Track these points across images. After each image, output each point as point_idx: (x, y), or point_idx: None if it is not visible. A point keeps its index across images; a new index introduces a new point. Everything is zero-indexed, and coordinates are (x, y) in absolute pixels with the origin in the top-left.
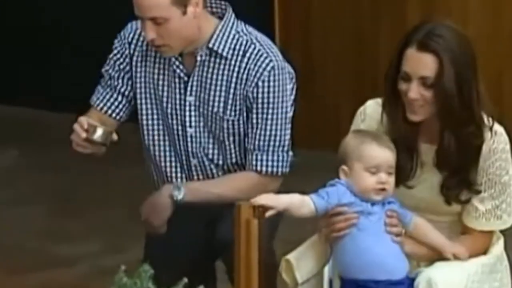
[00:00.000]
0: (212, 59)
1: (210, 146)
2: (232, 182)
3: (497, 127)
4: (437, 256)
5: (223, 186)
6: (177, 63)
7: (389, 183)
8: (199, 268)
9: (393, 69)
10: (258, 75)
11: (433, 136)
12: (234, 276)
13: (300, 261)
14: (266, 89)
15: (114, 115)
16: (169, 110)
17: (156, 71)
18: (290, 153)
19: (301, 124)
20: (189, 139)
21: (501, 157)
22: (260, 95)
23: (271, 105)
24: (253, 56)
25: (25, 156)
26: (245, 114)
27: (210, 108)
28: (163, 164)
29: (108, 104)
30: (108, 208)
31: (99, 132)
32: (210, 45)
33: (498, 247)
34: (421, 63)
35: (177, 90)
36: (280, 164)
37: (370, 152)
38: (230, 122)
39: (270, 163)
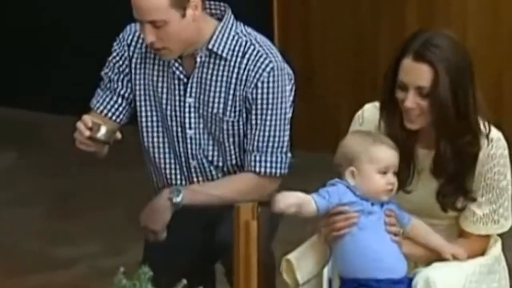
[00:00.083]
0: (212, 60)
1: (210, 147)
2: (231, 184)
3: (495, 133)
4: (435, 257)
5: (222, 188)
6: (176, 64)
7: (395, 184)
8: (198, 270)
9: (390, 77)
10: (257, 76)
11: (430, 142)
12: (234, 277)
13: (301, 261)
14: (265, 90)
15: (114, 117)
16: (168, 112)
17: (155, 73)
18: (289, 154)
19: (301, 125)
20: (188, 140)
21: (499, 162)
22: (259, 96)
23: (270, 106)
24: (252, 57)
25: (24, 157)
26: (244, 115)
27: (209, 110)
28: (162, 166)
29: (108, 106)
30: (108, 210)
31: (102, 130)
32: (210, 46)
33: (496, 249)
34: (417, 73)
35: (177, 92)
36: (279, 165)
37: (381, 153)
38: (230, 123)
39: (269, 164)
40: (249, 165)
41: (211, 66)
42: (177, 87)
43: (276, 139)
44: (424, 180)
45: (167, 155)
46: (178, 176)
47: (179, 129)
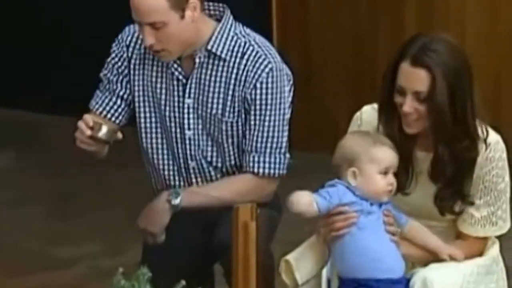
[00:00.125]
0: (211, 61)
1: (209, 148)
2: (230, 185)
3: (494, 135)
4: (432, 258)
5: (221, 189)
6: (175, 65)
7: (395, 184)
8: (197, 271)
9: (388, 81)
10: (256, 76)
11: (429, 145)
12: (232, 279)
13: (300, 262)
14: (264, 91)
15: (113, 119)
16: (167, 113)
17: (154, 74)
18: (287, 155)
19: (299, 125)
20: (187, 141)
21: (497, 165)
22: (258, 97)
23: (268, 107)
24: (251, 58)
25: (24, 158)
26: (243, 116)
27: (208, 110)
28: (161, 167)
29: (107, 108)
30: (107, 210)
31: (104, 130)
32: (209, 47)
33: (493, 250)
34: (415, 78)
35: (176, 93)
36: (277, 166)
37: (382, 154)
38: (229, 124)
39: (267, 165)
40: (248, 166)
41: (210, 67)
42: (176, 88)
43: (275, 139)
44: (423, 183)
45: (165, 156)
46: (177, 177)
47: (178, 130)
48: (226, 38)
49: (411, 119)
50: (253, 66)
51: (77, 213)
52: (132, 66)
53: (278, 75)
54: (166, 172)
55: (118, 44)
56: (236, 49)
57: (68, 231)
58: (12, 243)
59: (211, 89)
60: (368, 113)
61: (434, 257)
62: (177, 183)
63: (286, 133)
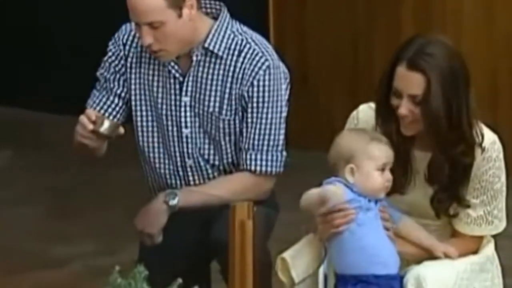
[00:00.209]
0: (208, 59)
1: (206, 146)
2: (228, 184)
3: (491, 135)
4: (427, 255)
5: (218, 188)
6: (172, 63)
7: (392, 180)
8: (193, 269)
9: (385, 83)
10: (253, 74)
11: (427, 145)
12: (229, 278)
13: (296, 260)
14: (261, 88)
15: (111, 117)
16: (164, 111)
17: (150, 72)
18: (284, 152)
19: (296, 124)
20: (184, 139)
21: (494, 165)
22: (255, 94)
23: (266, 104)
24: (248, 56)
25: (22, 157)
26: (240, 113)
27: (206, 108)
28: (157, 165)
29: (105, 107)
30: (104, 209)
31: (106, 124)
32: (206, 45)
33: (488, 249)
34: (410, 82)
35: (172, 91)
36: (274, 163)
37: (379, 150)
38: (226, 122)
39: (264, 163)
40: (245, 164)
41: (207, 64)
42: (172, 86)
43: (272, 137)
44: (420, 182)
45: (162, 155)
46: (174, 176)
47: (175, 129)
48: (223, 36)
49: (406, 121)
50: (250, 64)
51: (75, 212)
52: (129, 65)
53: (275, 72)
54: (162, 171)
55: (115, 43)
56: (233, 46)
57: (64, 230)
58: (8, 242)
59: (208, 87)
60: (365, 112)
61: (429, 255)
62: (173, 181)
63: (283, 131)
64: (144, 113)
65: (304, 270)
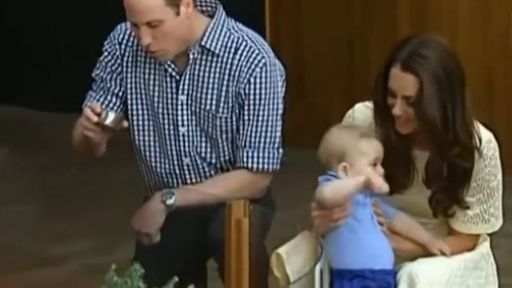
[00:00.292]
0: (204, 57)
1: (203, 144)
2: (225, 182)
3: (487, 134)
4: (422, 252)
5: (215, 187)
6: (168, 62)
7: (383, 174)
8: (190, 268)
9: (382, 83)
10: (250, 71)
11: (425, 144)
12: (225, 276)
13: (291, 256)
14: (258, 85)
15: None
16: (160, 110)
17: (147, 71)
18: (281, 150)
19: (292, 123)
20: (181, 138)
21: (490, 163)
22: (251, 92)
23: (262, 102)
24: (245, 53)
25: (20, 156)
26: (237, 111)
27: (202, 106)
28: (153, 164)
29: (103, 106)
30: (100, 208)
31: (111, 117)
32: (203, 43)
33: (483, 246)
34: (404, 83)
35: (169, 90)
36: (271, 160)
37: (371, 146)
38: (223, 120)
39: (261, 160)
40: (241, 161)
41: (203, 62)
42: (169, 84)
43: (268, 134)
44: (418, 181)
45: (158, 154)
46: (171, 174)
47: (172, 127)
48: (220, 34)
49: (401, 121)
50: (247, 61)
51: (74, 212)
52: (125, 64)
53: (272, 70)
54: (159, 170)
55: (110, 42)
56: (229, 44)
57: (60, 228)
58: (5, 241)
59: (205, 85)
60: (361, 111)
61: (424, 252)
62: (170, 180)
63: (279, 128)
64: (140, 112)
65: (299, 268)
